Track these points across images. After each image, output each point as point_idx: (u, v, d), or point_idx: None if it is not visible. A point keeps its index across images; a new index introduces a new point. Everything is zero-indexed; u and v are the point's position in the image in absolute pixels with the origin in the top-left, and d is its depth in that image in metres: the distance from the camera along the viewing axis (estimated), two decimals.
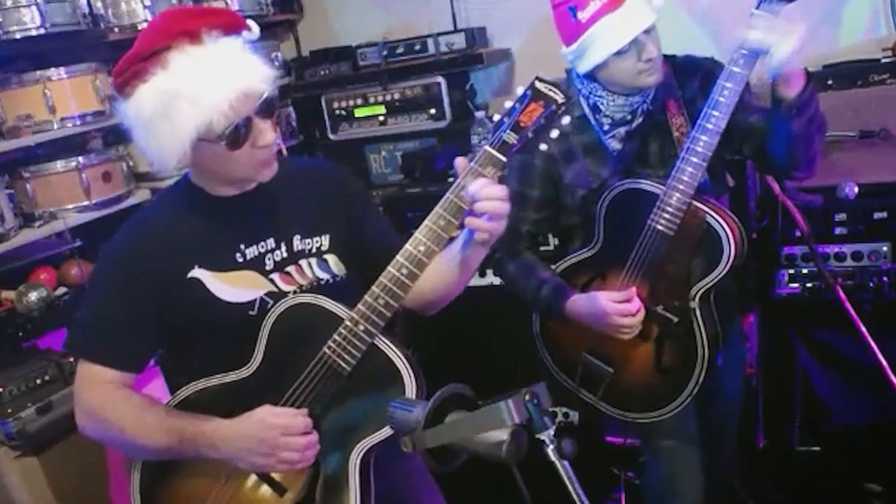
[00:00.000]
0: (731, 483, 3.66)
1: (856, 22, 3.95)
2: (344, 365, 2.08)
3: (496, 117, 2.06)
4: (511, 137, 2.02)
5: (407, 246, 2.05)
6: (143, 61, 1.97)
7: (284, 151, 4.59)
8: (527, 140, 2.02)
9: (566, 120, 1.99)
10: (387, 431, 2.06)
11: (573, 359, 2.92)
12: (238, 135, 2.00)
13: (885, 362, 3.18)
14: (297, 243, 2.27)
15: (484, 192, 1.99)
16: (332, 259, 2.32)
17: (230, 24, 2.05)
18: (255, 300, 2.21)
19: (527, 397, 1.56)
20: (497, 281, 3.11)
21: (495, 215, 2.04)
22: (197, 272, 2.17)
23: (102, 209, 3.80)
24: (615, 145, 2.84)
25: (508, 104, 2.04)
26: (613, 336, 2.73)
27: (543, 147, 2.02)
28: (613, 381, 2.85)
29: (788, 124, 2.57)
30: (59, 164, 3.71)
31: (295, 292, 2.24)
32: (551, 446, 1.57)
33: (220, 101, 1.94)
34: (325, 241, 2.31)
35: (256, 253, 2.22)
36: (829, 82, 3.49)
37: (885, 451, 3.52)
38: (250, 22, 2.11)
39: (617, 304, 2.67)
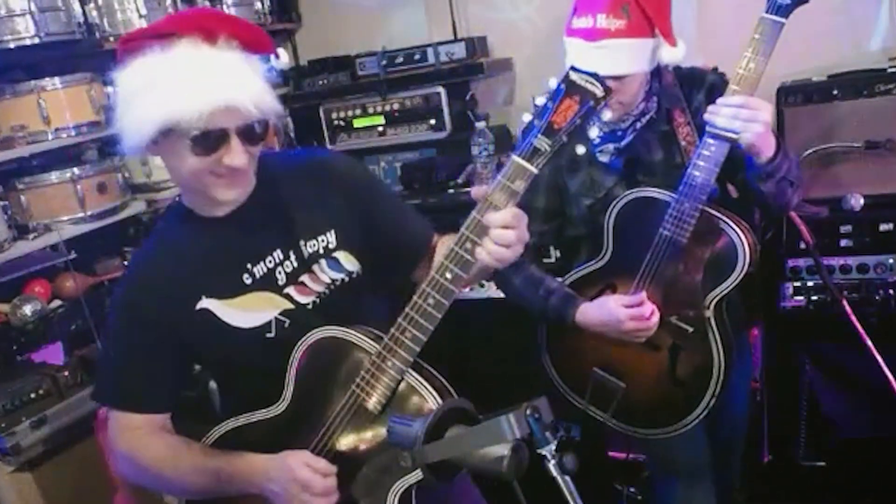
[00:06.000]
0: (736, 498, 3.63)
1: (861, 31, 3.92)
2: (374, 403, 2.00)
3: (526, 117, 1.87)
4: (543, 143, 1.81)
5: (433, 273, 1.93)
6: (151, 38, 1.92)
7: None
8: (561, 145, 1.81)
9: (607, 115, 1.84)
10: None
11: (583, 375, 2.86)
12: (206, 142, 1.92)
13: (891, 376, 3.16)
14: (305, 248, 2.18)
15: (500, 218, 1.85)
16: (342, 255, 2.21)
17: (251, 42, 1.99)
18: (271, 321, 2.14)
19: (528, 412, 1.54)
20: (499, 294, 3.05)
21: (509, 242, 1.88)
22: (205, 302, 2.12)
23: (98, 221, 3.77)
24: (602, 158, 2.80)
25: (540, 101, 1.84)
26: (627, 341, 2.68)
27: (581, 151, 1.90)
28: (626, 396, 2.79)
29: (759, 183, 2.57)
30: (54, 176, 3.67)
31: (314, 303, 2.18)
32: (553, 461, 1.53)
33: (200, 103, 1.86)
34: (331, 238, 2.20)
35: (265, 270, 2.15)
36: (835, 92, 3.47)
37: (891, 466, 3.49)
38: (280, 50, 2.04)
39: (629, 309, 2.62)
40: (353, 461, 2.07)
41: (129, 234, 4.20)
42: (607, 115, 1.83)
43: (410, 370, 2.00)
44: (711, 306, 2.64)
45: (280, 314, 2.15)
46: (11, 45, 3.47)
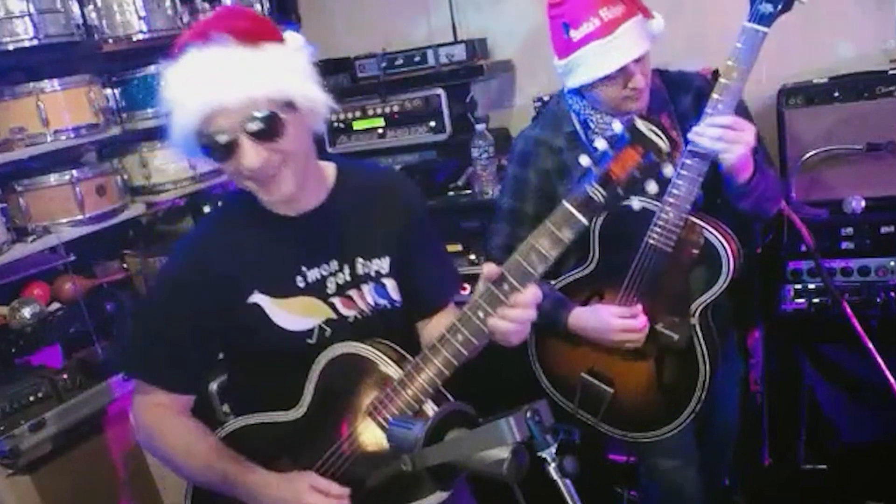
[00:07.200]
0: (736, 501, 3.62)
1: (862, 33, 3.91)
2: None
3: (584, 160, 1.73)
4: (597, 193, 1.70)
5: (465, 309, 1.91)
6: (173, 56, 1.93)
7: None
8: (616, 199, 1.69)
9: (668, 170, 1.69)
10: (433, 500, 2.00)
11: (571, 380, 2.89)
12: (216, 148, 1.90)
13: (892, 379, 3.15)
14: (360, 266, 2.17)
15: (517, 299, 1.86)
16: (390, 284, 2.21)
17: (246, 32, 1.89)
18: (314, 328, 2.14)
19: (528, 414, 1.53)
20: None
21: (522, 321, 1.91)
22: (257, 297, 2.10)
23: (96, 223, 3.74)
24: None
25: (601, 146, 1.71)
26: (616, 348, 2.70)
27: (637, 205, 1.87)
28: (614, 401, 2.81)
29: (738, 202, 2.63)
30: (53, 178, 3.65)
31: (356, 317, 2.17)
32: (553, 464, 1.53)
33: (198, 109, 1.85)
34: (385, 264, 2.20)
35: (318, 276, 2.14)
36: (836, 94, 3.46)
37: (893, 469, 3.48)
38: (288, 34, 1.97)
39: (622, 320, 2.64)
40: (364, 480, 2.08)
41: (128, 237, 4.19)
42: (668, 169, 1.75)
43: (430, 400, 2.00)
44: (696, 314, 2.66)
45: (324, 322, 2.14)
46: (10, 47, 3.45)
